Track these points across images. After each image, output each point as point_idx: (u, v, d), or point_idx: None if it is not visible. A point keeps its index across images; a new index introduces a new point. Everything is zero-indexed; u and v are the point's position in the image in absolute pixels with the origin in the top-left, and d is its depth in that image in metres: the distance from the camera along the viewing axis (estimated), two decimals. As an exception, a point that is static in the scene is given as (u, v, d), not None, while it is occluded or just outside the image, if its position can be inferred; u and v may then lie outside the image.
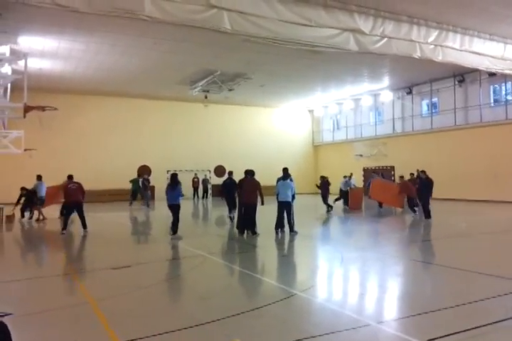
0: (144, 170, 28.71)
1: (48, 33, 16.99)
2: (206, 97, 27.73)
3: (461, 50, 15.45)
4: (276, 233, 12.32)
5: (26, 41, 17.71)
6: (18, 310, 4.99)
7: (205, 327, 4.84)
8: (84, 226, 13.10)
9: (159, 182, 30.85)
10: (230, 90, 26.43)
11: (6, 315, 3.47)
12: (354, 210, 19.64)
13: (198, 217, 19.95)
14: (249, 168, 12.82)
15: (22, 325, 4.69)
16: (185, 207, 24.68)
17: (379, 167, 31.20)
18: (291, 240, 11.64)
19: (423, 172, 15.98)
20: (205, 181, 31.59)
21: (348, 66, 22.65)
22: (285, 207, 12.19)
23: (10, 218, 16.07)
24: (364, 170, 32.21)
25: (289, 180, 12.46)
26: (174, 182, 12.24)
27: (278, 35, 11.85)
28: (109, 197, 26.43)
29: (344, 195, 20.41)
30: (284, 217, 12.26)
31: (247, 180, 12.39)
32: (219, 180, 32.27)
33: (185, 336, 4.64)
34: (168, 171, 30.68)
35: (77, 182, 13.25)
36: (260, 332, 4.68)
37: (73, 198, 13.00)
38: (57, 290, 6.83)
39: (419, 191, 15.86)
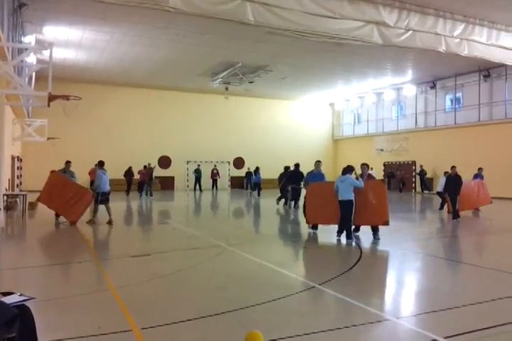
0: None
1: (72, 23, 17.18)
2: (227, 89, 27.83)
3: (487, 44, 15.18)
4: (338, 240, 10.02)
5: (51, 31, 17.95)
6: (40, 295, 5.08)
7: (222, 317, 4.86)
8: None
9: (179, 173, 31.22)
10: (251, 82, 26.46)
11: (29, 299, 3.56)
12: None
13: (218, 208, 19.91)
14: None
15: (44, 310, 4.78)
16: (206, 196, 24.89)
17: (400, 162, 30.93)
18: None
19: (453, 167, 14.82)
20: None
21: (371, 59, 22.40)
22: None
23: (33, 205, 16.35)
24: (384, 165, 31.97)
25: (348, 175, 9.91)
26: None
27: (301, 28, 11.79)
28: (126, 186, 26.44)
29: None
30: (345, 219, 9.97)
31: None
32: (239, 172, 32.56)
33: (203, 325, 4.66)
34: (188, 162, 30.98)
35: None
36: (278, 324, 4.67)
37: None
38: (79, 277, 6.94)
39: (446, 188, 14.74)
